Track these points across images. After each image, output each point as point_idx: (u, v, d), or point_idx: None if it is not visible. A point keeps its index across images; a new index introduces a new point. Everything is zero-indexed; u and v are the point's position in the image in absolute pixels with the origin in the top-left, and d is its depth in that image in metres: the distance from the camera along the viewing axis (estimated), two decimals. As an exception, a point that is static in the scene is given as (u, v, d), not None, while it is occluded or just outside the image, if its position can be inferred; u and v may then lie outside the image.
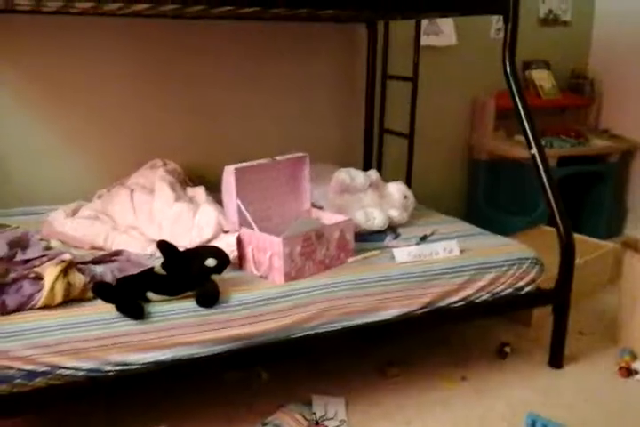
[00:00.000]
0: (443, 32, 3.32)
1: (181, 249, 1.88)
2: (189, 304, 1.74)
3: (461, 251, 2.16)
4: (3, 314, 1.61)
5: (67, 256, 1.81)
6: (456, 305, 2.06)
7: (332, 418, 1.89)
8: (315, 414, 1.90)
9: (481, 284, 2.09)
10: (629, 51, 3.50)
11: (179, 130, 2.86)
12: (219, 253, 1.83)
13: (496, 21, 3.40)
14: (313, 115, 3.15)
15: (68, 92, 2.65)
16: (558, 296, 2.18)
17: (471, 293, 2.08)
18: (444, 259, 2.11)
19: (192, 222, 2.13)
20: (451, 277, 2.05)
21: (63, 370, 1.57)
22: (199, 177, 2.71)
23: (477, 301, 2.09)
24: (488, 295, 2.11)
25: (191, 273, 1.78)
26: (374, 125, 3.23)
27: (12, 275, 1.72)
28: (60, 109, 2.66)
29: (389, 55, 3.12)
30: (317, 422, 1.86)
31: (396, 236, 2.37)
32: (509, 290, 2.14)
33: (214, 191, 2.38)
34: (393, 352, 2.28)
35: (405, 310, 1.99)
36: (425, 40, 3.17)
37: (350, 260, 2.12)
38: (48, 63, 2.59)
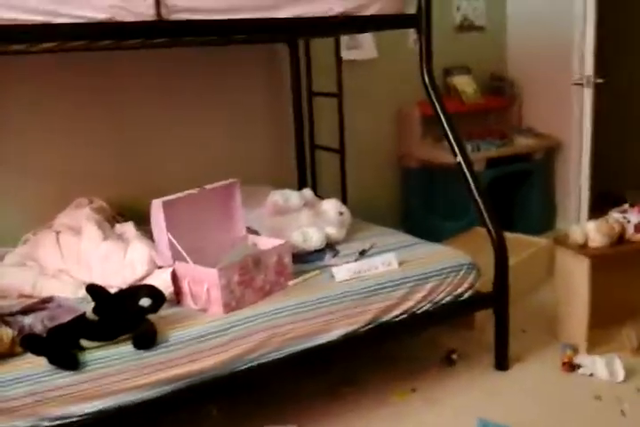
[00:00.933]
0: (363, 46, 3.37)
1: (114, 290, 1.83)
2: (126, 348, 1.69)
3: (400, 263, 2.18)
4: None
5: (-10, 310, 1.72)
6: (399, 318, 2.08)
7: (285, 448, 1.86)
8: (268, 445, 1.87)
9: (421, 294, 2.11)
10: (543, 50, 3.64)
11: (104, 164, 2.78)
12: (153, 292, 1.78)
13: (413, 31, 3.48)
14: (242, 137, 3.13)
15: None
16: (497, 299, 2.23)
17: (412, 304, 2.10)
18: (384, 273, 2.13)
19: (123, 261, 2.07)
20: (391, 291, 2.06)
21: (-4, 433, 1.50)
22: (129, 210, 2.63)
23: (419, 312, 2.11)
24: (429, 305, 2.13)
25: (125, 315, 1.73)
26: (305, 142, 3.24)
27: None
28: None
29: (313, 71, 3.14)
30: (273, 454, 1.82)
31: (335, 253, 2.37)
32: (449, 297, 2.17)
33: (147, 224, 2.32)
34: (342, 372, 2.27)
35: (349, 328, 1.99)
36: (347, 54, 3.20)
37: (291, 283, 2.10)
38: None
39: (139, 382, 1.66)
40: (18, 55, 2.45)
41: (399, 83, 3.47)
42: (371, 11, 2.20)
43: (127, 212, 2.61)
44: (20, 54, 2.43)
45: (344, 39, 3.15)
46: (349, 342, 1.99)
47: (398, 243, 2.42)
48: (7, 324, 1.70)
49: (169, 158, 2.94)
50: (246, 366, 1.83)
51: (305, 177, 3.29)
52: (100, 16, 1.77)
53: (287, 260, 2.12)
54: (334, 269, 2.13)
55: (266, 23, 2.03)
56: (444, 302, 2.16)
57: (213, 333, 1.80)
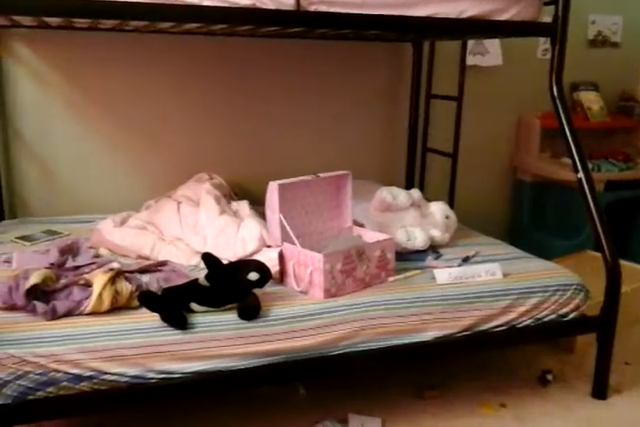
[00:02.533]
0: (489, 52, 3.32)
1: (225, 262, 1.92)
2: (231, 317, 1.77)
3: (504, 274, 2.14)
4: (52, 318, 1.67)
5: (115, 265, 1.86)
6: (497, 329, 2.03)
7: (367, 438, 1.88)
8: (350, 433, 1.90)
9: (523, 309, 2.06)
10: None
11: (225, 145, 2.93)
12: (261, 268, 1.86)
13: (543, 42, 3.39)
14: (355, 132, 3.18)
15: (120, 106, 2.75)
16: (603, 324, 2.13)
17: (513, 317, 2.05)
18: (486, 282, 2.09)
19: (235, 236, 2.17)
20: (492, 301, 2.02)
21: (108, 375, 1.62)
22: (243, 191, 2.76)
23: (519, 326, 2.06)
24: (530, 321, 2.07)
25: (234, 286, 1.81)
26: (417, 144, 3.25)
27: (63, 281, 1.79)
28: (112, 123, 2.76)
29: (434, 74, 3.13)
30: (352, 441, 1.85)
31: (438, 256, 2.36)
32: (553, 316, 2.10)
33: (258, 205, 2.42)
34: (431, 374, 2.26)
35: (445, 332, 1.97)
36: (471, 60, 3.18)
37: (391, 279, 2.11)
38: (101, 76, 2.70)
39: (237, 350, 1.74)
40: (159, 34, 2.63)
41: (521, 92, 3.39)
42: (506, 16, 2.16)
43: (240, 192, 2.73)
44: (163, 33, 2.60)
45: (470, 43, 3.11)
46: (442, 346, 1.98)
47: (504, 254, 2.38)
48: (127, 280, 1.82)
49: (285, 146, 3.04)
50: (338, 352, 1.86)
51: (413, 178, 3.29)
52: (244, 2, 1.86)
53: (390, 255, 2.13)
54: (436, 272, 2.12)
55: (398, 21, 2.05)
56: (546, 319, 2.09)
57: (311, 315, 1.84)
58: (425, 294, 1.99)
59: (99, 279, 1.73)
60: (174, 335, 1.68)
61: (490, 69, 3.31)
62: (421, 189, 3.14)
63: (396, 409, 2.07)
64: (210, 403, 2.04)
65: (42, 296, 1.71)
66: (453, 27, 2.14)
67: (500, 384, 2.24)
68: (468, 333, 2.00)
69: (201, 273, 1.96)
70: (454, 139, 3.05)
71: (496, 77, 3.35)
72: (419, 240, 2.38)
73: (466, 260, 2.31)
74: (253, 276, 1.82)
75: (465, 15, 2.11)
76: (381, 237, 2.19)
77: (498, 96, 3.39)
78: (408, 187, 3.20)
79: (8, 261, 2.04)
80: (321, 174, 2.21)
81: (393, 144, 3.27)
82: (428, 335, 1.96)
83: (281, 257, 2.04)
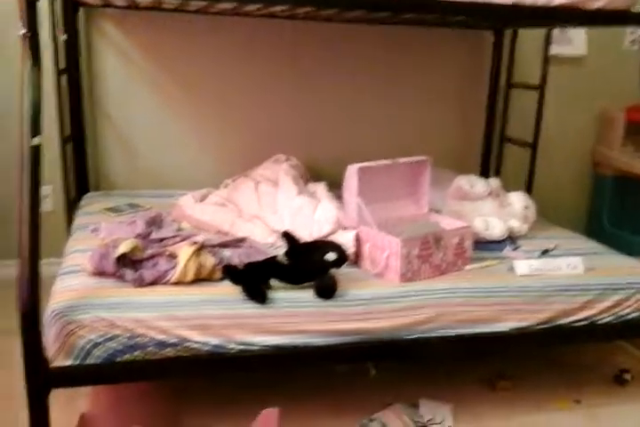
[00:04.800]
0: (573, 41, 3.20)
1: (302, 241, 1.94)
2: (308, 295, 1.79)
3: (586, 269, 2.07)
4: (140, 286, 1.73)
5: (199, 239, 1.91)
6: (577, 324, 1.98)
7: (439, 423, 1.87)
8: (422, 417, 1.89)
9: (605, 305, 1.99)
10: None
11: (302, 128, 2.95)
12: (339, 249, 1.87)
13: (630, 32, 3.24)
14: (432, 119, 3.14)
15: (202, 88, 2.81)
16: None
17: (594, 313, 1.99)
18: (567, 275, 2.03)
19: (312, 217, 2.18)
20: (573, 296, 1.97)
21: (191, 343, 1.67)
22: (317, 174, 2.77)
23: (600, 322, 2.00)
24: (612, 318, 2.01)
25: (312, 265, 1.83)
26: (494, 133, 3.18)
27: (149, 251, 1.85)
28: (193, 104, 2.82)
29: (514, 63, 3.05)
30: (424, 426, 1.84)
31: (516, 247, 2.31)
32: (635, 314, 2.03)
33: (333, 188, 2.43)
34: (504, 365, 2.23)
35: (522, 324, 1.94)
36: (553, 49, 3.07)
37: (467, 267, 2.09)
38: (185, 58, 2.76)
39: (314, 327, 1.76)
40: (242, 17, 2.66)
41: (605, 84, 3.27)
42: (598, 4, 2.06)
43: (315, 175, 2.75)
44: (248, 16, 2.63)
45: (554, 32, 3.01)
46: (519, 338, 1.94)
47: (586, 249, 2.30)
48: (210, 253, 1.87)
49: (361, 131, 3.04)
50: (413, 337, 1.86)
51: (488, 168, 3.23)
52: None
53: (468, 243, 2.10)
54: (516, 262, 2.07)
55: (486, 7, 1.99)
56: (629, 317, 2.02)
57: (387, 298, 1.84)
58: (504, 285, 1.95)
59: (184, 251, 1.78)
60: (255, 309, 1.72)
61: (573, 59, 3.20)
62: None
63: (467, 398, 2.05)
64: (284, 376, 2.07)
65: (130, 265, 1.78)
66: (544, 14, 2.06)
67: (575, 381, 2.18)
68: (545, 326, 1.96)
69: (277, 251, 2.01)
70: (535, 129, 2.98)
71: (580, 68, 3.23)
72: (497, 230, 2.34)
73: (545, 252, 2.25)
74: (331, 256, 1.84)
75: (555, 3, 2.03)
76: (460, 224, 2.16)
77: (580, 87, 3.28)
78: (483, 175, 3.14)
79: (96, 230, 2.12)
80: (400, 159, 2.20)
81: (470, 132, 3.22)
82: (505, 326, 1.93)
83: (357, 239, 2.04)
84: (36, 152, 1.54)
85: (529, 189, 3.02)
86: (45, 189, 2.73)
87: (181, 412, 1.88)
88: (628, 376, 2.16)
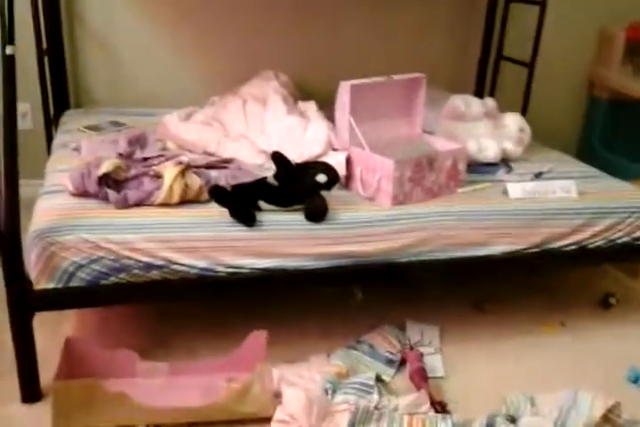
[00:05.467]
0: (576, -45, 3.00)
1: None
2: (298, 217, 1.76)
3: (579, 193, 2.04)
4: (124, 207, 1.68)
5: (184, 159, 1.84)
6: (566, 249, 1.97)
7: (426, 345, 1.90)
8: (409, 339, 1.92)
9: (597, 229, 1.98)
10: None
11: (290, 43, 2.80)
12: (330, 170, 1.81)
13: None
14: (426, 35, 2.99)
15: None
16: (677, 250, 2.05)
17: (585, 237, 1.98)
18: (560, 199, 2.01)
19: (302, 137, 2.11)
20: (566, 219, 1.95)
21: (178, 266, 1.64)
22: (307, 92, 2.65)
23: (590, 246, 1.99)
24: (603, 242, 2.00)
25: (302, 186, 1.78)
26: (491, 51, 3.04)
27: (133, 171, 1.78)
28: (177, 16, 2.65)
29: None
30: (412, 348, 1.87)
31: (509, 170, 2.27)
32: (626, 238, 2.02)
33: (323, 108, 2.33)
34: (492, 289, 2.25)
35: (513, 247, 1.92)
36: (556, -38, 2.87)
37: (460, 190, 2.05)
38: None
39: (303, 250, 1.74)
40: None
41: (609, 1, 3.09)
42: None
43: (304, 94, 2.63)
44: None
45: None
46: (509, 261, 1.93)
47: (579, 172, 2.26)
48: (196, 174, 1.80)
49: (351, 46, 2.90)
50: (403, 260, 1.84)
51: (483, 87, 3.13)
52: None
53: (461, 166, 2.05)
54: (509, 185, 2.03)
55: None
56: (619, 241, 2.01)
57: (379, 221, 1.81)
58: (497, 208, 1.92)
59: (169, 172, 1.72)
60: (243, 231, 1.68)
61: (576, -27, 3.02)
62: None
63: (454, 320, 2.07)
64: (273, 300, 2.08)
65: (113, 185, 1.72)
66: None
67: (561, 304, 2.21)
68: (536, 249, 1.95)
69: (266, 172, 1.95)
70: (533, 47, 2.83)
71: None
72: (491, 152, 2.28)
73: (539, 175, 2.21)
74: (321, 178, 1.78)
75: None
76: (453, 146, 2.09)
77: (582, 4, 3.10)
78: (477, 95, 3.04)
79: (77, 149, 2.04)
80: (394, 76, 2.10)
81: (465, 50, 3.08)
82: (497, 249, 1.92)
83: (348, 161, 1.98)
84: (10, 62, 1.44)
85: (524, 110, 2.93)
86: (24, 107, 2.63)
87: (168, 334, 1.89)
88: (613, 300, 2.19)
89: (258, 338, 1.68)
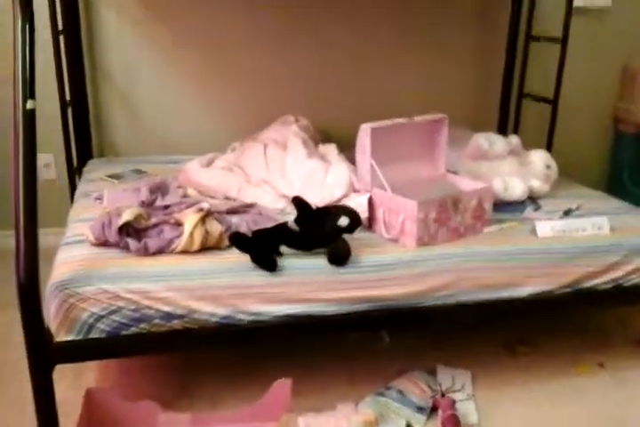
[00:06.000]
0: (596, -8, 3.01)
1: (313, 206, 1.85)
2: (320, 261, 1.72)
3: (612, 229, 1.97)
4: (144, 255, 1.66)
5: (205, 205, 1.83)
6: (601, 288, 1.89)
7: (458, 391, 1.81)
8: (440, 384, 1.84)
9: (632, 266, 1.90)
10: None
11: (310, 87, 2.83)
12: (352, 213, 1.78)
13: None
14: (446, 75, 3.00)
15: (207, 49, 2.68)
16: None
17: (621, 275, 1.90)
18: (593, 236, 1.94)
19: (324, 180, 2.09)
20: (599, 257, 1.87)
21: (199, 315, 1.61)
22: (327, 135, 2.66)
23: (626, 284, 1.91)
24: (638, 280, 1.92)
25: (324, 230, 1.75)
26: (513, 89, 3.03)
27: (154, 219, 1.77)
28: (198, 65, 2.70)
29: (535, 14, 2.88)
30: (443, 394, 1.79)
31: (537, 208, 2.21)
32: (663, 276, 1.93)
33: (344, 150, 2.32)
34: (523, 330, 2.16)
35: (544, 288, 1.85)
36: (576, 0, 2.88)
37: (486, 230, 1.99)
38: (189, 18, 2.62)
39: (327, 295, 1.69)
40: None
41: (629, 38, 3.09)
42: None
43: (324, 137, 2.64)
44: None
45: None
46: (540, 303, 1.86)
47: (610, 209, 2.19)
48: (217, 220, 1.79)
49: (369, 89, 2.91)
50: (429, 304, 1.78)
51: (506, 125, 3.10)
52: None
53: (487, 205, 2.00)
54: (538, 224, 1.97)
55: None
56: (656, 279, 1.93)
57: (404, 263, 1.76)
58: (525, 248, 1.86)
59: (190, 219, 1.71)
60: (265, 277, 1.65)
61: (597, 11, 3.02)
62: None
63: (486, 364, 1.99)
64: (297, 346, 2.02)
65: (133, 233, 1.71)
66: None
67: (598, 344, 2.11)
68: (568, 289, 1.87)
69: (287, 217, 1.93)
70: (555, 84, 2.81)
71: (602, 20, 3.05)
72: (517, 190, 2.24)
73: (568, 212, 2.15)
74: (343, 221, 1.75)
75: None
76: (478, 185, 2.05)
77: (603, 40, 3.10)
78: (501, 133, 3.01)
79: (99, 198, 2.05)
80: (416, 117, 2.08)
81: (486, 88, 3.07)
82: (526, 291, 1.85)
83: (370, 203, 1.95)
84: (30, 116, 1.46)
85: (549, 146, 2.89)
86: (47, 158, 2.68)
87: (191, 384, 1.84)
88: (653, 339, 2.09)
89: (282, 387, 1.62)
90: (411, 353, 2.01)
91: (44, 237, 2.52)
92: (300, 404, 1.59)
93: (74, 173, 2.52)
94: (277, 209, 2.06)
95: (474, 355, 2.02)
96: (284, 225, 1.76)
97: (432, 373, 1.91)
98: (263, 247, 1.69)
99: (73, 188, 2.45)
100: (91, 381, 1.80)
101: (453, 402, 1.73)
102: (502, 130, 3.08)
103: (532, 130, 3.02)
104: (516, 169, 2.34)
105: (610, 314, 2.29)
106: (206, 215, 1.75)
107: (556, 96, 2.83)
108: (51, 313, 1.52)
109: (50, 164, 2.70)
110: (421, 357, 1.99)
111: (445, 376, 1.89)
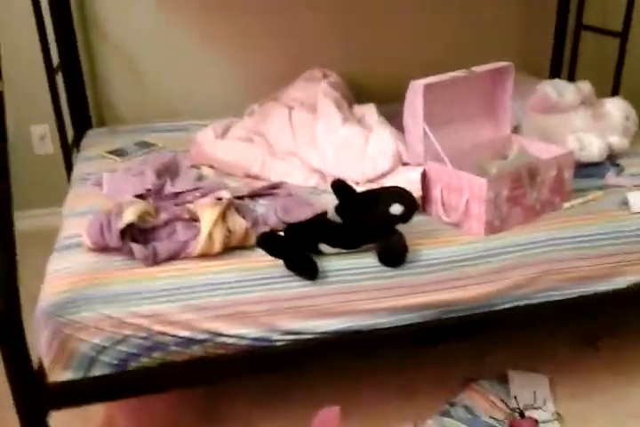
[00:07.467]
0: None
1: (353, 185, 1.51)
2: (370, 260, 1.39)
3: None
4: (153, 264, 1.34)
5: (224, 194, 1.49)
6: None
7: (539, 408, 1.51)
8: (515, 398, 1.54)
9: None
10: None
11: (340, 35, 2.43)
12: (406, 198, 1.42)
13: None
14: (490, 9, 2.56)
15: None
16: None
17: None
18: (701, 208, 1.58)
19: (364, 151, 1.74)
20: None
21: (225, 338, 1.30)
22: (362, 92, 2.25)
23: None
24: None
25: (373, 221, 1.41)
26: (569, 21, 2.61)
27: (164, 215, 1.44)
28: (207, 9, 2.30)
29: None
30: (522, 412, 1.49)
31: (620, 170, 1.84)
32: None
33: (384, 110, 1.94)
34: (606, 321, 1.84)
35: (645, 277, 1.52)
36: None
37: (566, 205, 1.64)
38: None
39: (381, 304, 1.37)
40: None
41: None
42: None
43: (359, 93, 2.23)
44: None
45: None
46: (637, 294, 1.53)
47: None
48: (239, 211, 1.46)
49: (408, 33, 2.51)
50: (508, 306, 1.46)
51: (560, 66, 2.68)
52: None
53: (567, 175, 1.65)
54: (630, 195, 1.62)
55: None
56: None
57: (475, 258, 1.44)
58: (619, 227, 1.53)
59: (207, 215, 1.37)
60: (304, 287, 1.33)
61: None
62: (571, 79, 2.56)
63: (565, 364, 1.69)
64: (345, 364, 1.67)
65: (139, 235, 1.39)
66: None
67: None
68: (676, 277, 1.53)
69: (321, 196, 1.63)
70: (626, 11, 2.36)
71: None
72: (595, 149, 1.87)
73: (660, 176, 1.78)
74: (396, 209, 1.40)
75: None
76: (554, 149, 1.69)
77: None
78: (553, 75, 2.61)
79: (98, 184, 1.72)
80: (476, 68, 1.69)
81: (537, 21, 2.64)
82: (622, 281, 1.53)
83: (424, 179, 1.59)
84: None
85: (614, 90, 2.48)
86: (41, 129, 2.37)
87: (222, 414, 1.54)
88: None
89: (329, 414, 1.35)
90: (476, 358, 1.71)
91: (45, 217, 2.26)
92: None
93: (69, 148, 2.18)
94: (309, 187, 1.73)
95: (549, 355, 1.72)
96: (322, 217, 1.43)
97: (503, 380, 1.62)
98: (299, 248, 1.36)
99: (69, 165, 2.12)
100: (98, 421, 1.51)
101: (536, 423, 1.44)
102: (555, 72, 2.68)
103: (592, 69, 2.59)
104: (590, 123, 1.96)
105: None
106: (226, 208, 1.41)
107: (625, 27, 2.38)
108: (42, 346, 1.23)
109: (45, 135, 2.39)
110: (491, 361, 1.69)
111: (519, 384, 1.59)
